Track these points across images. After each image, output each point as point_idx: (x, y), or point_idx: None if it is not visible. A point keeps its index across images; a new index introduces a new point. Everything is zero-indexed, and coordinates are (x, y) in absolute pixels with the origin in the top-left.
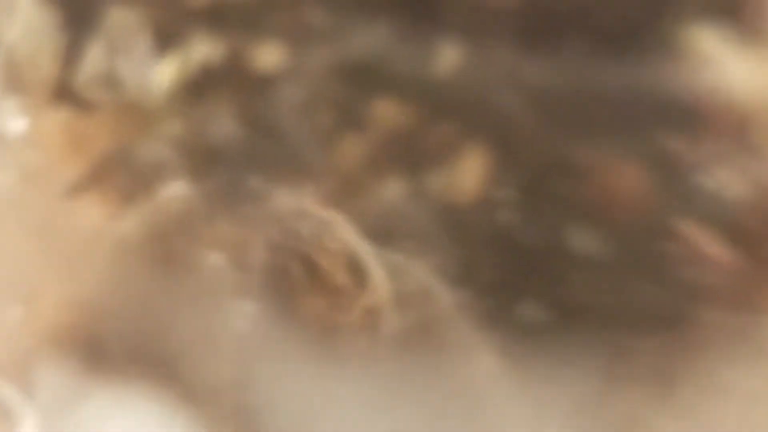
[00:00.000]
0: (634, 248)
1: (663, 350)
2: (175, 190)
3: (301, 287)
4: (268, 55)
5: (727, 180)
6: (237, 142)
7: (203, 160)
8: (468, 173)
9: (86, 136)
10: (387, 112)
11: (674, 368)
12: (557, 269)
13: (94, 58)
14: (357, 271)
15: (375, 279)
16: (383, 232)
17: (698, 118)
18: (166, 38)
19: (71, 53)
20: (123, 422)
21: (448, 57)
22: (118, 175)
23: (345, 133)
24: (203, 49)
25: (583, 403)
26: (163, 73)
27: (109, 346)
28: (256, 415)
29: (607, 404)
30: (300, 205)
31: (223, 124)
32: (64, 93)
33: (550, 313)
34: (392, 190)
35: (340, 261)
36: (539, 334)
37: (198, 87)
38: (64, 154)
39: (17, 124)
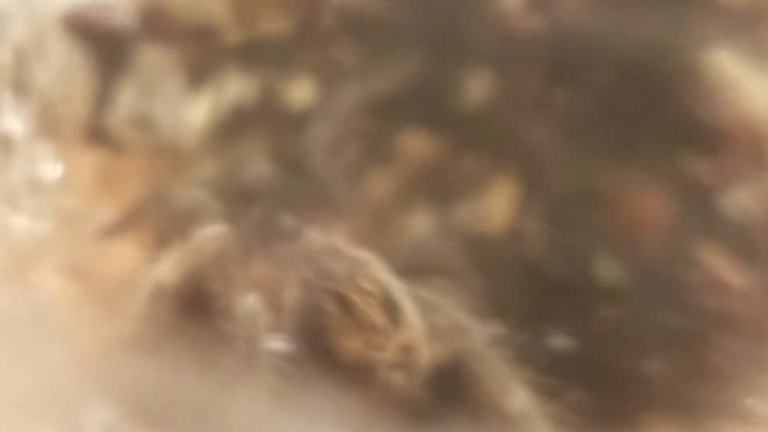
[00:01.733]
0: (657, 276)
1: (686, 379)
2: (211, 232)
3: (336, 326)
4: (300, 92)
5: (748, 202)
6: (269, 182)
7: (237, 201)
8: (497, 204)
9: (120, 177)
10: (415, 145)
11: (697, 397)
12: (585, 299)
13: (126, 99)
14: (390, 308)
15: (408, 316)
16: (413, 268)
17: (719, 139)
18: (199, 76)
19: (104, 94)
20: None
21: (476, 88)
22: (153, 218)
23: (374, 168)
24: (236, 87)
25: None
26: (197, 113)
27: (147, 390)
28: None
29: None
30: (332, 244)
31: (256, 163)
32: (98, 135)
33: (579, 344)
34: (421, 225)
35: (373, 299)
36: (570, 366)
37: (231, 126)
38: (98, 196)
39: (52, 169)
